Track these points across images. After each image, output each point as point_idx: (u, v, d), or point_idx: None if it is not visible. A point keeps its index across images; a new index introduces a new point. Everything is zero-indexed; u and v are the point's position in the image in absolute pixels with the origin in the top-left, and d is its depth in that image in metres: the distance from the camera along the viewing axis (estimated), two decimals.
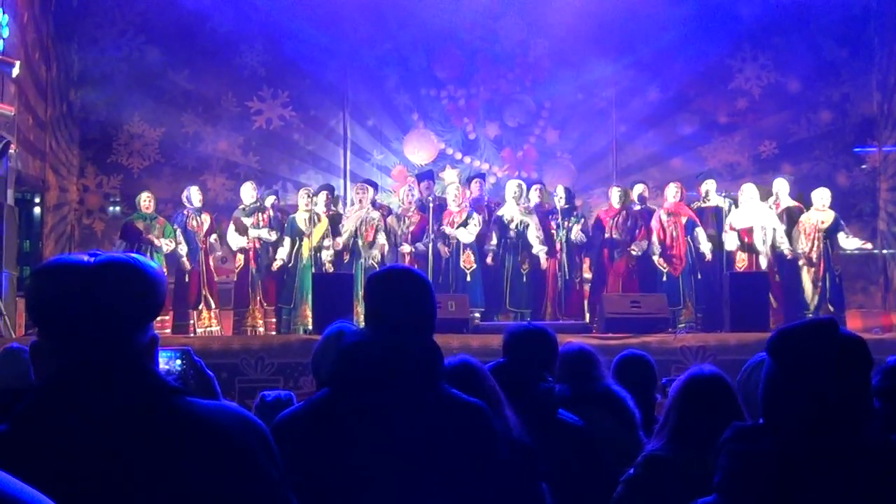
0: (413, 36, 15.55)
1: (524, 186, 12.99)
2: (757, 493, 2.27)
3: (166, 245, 12.39)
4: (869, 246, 13.00)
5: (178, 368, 3.00)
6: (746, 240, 12.25)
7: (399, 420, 2.69)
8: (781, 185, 12.79)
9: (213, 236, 12.77)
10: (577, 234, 12.53)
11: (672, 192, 12.69)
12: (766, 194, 12.63)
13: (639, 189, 13.06)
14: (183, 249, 12.51)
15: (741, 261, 12.29)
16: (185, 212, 12.78)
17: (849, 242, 12.34)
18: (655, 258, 12.46)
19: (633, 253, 12.50)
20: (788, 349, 2.39)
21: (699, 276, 12.49)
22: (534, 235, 12.40)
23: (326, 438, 2.72)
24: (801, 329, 2.42)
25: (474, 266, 12.32)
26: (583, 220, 12.88)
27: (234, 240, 12.60)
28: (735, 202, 12.48)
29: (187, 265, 12.53)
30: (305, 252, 12.45)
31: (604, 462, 3.77)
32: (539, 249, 12.37)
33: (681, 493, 2.51)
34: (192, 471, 1.83)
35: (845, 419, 2.29)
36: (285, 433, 2.82)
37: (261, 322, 12.62)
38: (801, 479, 2.23)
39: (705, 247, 12.34)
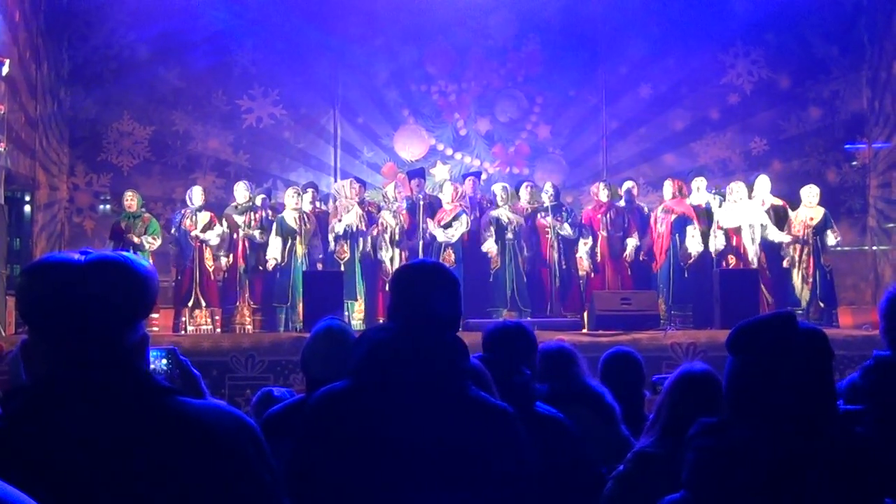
0: (404, 31, 15.50)
1: (509, 188, 13.05)
2: (724, 487, 2.29)
3: (148, 243, 12.43)
4: (838, 238, 12.61)
5: (164, 368, 2.99)
6: (735, 238, 12.27)
7: (419, 417, 2.66)
8: (763, 184, 12.75)
9: (208, 233, 12.67)
10: (566, 229, 12.51)
11: (669, 188, 12.72)
12: (750, 192, 12.64)
13: (627, 185, 13.07)
14: (171, 249, 12.51)
15: (731, 258, 12.28)
16: (183, 211, 12.81)
17: (830, 239, 12.32)
18: (637, 251, 12.51)
19: (628, 252, 12.52)
20: (748, 345, 2.41)
21: (686, 275, 12.48)
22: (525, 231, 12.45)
23: (344, 430, 2.70)
24: (759, 324, 2.44)
25: (454, 265, 12.29)
26: (573, 214, 12.91)
27: (210, 235, 12.60)
28: (724, 199, 12.49)
29: (173, 264, 12.54)
30: (299, 251, 12.45)
31: (582, 454, 3.78)
32: (526, 254, 12.44)
33: (670, 490, 2.52)
34: (182, 470, 1.83)
35: (808, 412, 2.31)
36: (303, 423, 2.82)
37: (249, 320, 12.61)
38: (767, 472, 2.25)
39: (691, 243, 12.32)
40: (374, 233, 12.49)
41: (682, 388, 3.52)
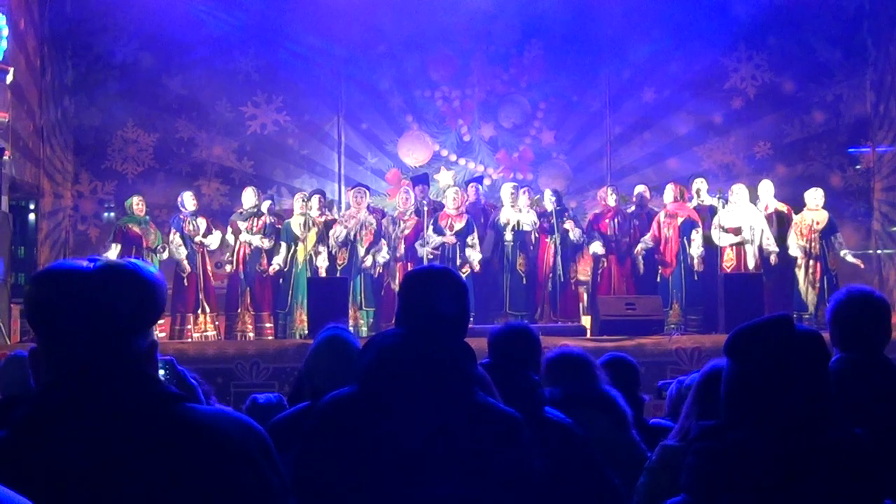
0: (407, 37, 15.51)
1: (519, 189, 12.99)
2: (723, 490, 2.29)
3: (169, 251, 12.47)
4: (861, 266, 12.80)
5: (162, 379, 3.00)
6: (735, 239, 12.24)
7: (426, 422, 2.66)
8: (767, 188, 12.76)
9: (209, 237, 12.76)
10: (575, 234, 12.47)
11: (670, 192, 12.69)
12: (754, 196, 12.63)
13: (639, 190, 13.05)
14: (182, 252, 12.51)
15: (728, 260, 12.25)
16: (182, 216, 12.79)
17: (849, 257, 12.33)
18: (639, 255, 12.50)
19: (639, 255, 12.49)
20: (746, 348, 2.41)
21: (696, 278, 12.45)
22: (531, 227, 12.38)
23: (351, 435, 2.70)
24: (757, 328, 2.44)
25: (467, 271, 12.27)
26: (574, 218, 12.85)
27: (212, 240, 12.72)
28: (726, 202, 12.48)
29: (187, 268, 12.53)
30: (300, 257, 12.45)
31: (592, 459, 3.77)
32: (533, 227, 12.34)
33: None
34: (192, 477, 1.83)
35: (806, 415, 2.32)
36: (310, 428, 2.83)
37: (250, 327, 12.58)
38: (766, 475, 2.26)
39: (694, 250, 12.29)
40: (370, 262, 12.40)
41: (710, 382, 3.50)
